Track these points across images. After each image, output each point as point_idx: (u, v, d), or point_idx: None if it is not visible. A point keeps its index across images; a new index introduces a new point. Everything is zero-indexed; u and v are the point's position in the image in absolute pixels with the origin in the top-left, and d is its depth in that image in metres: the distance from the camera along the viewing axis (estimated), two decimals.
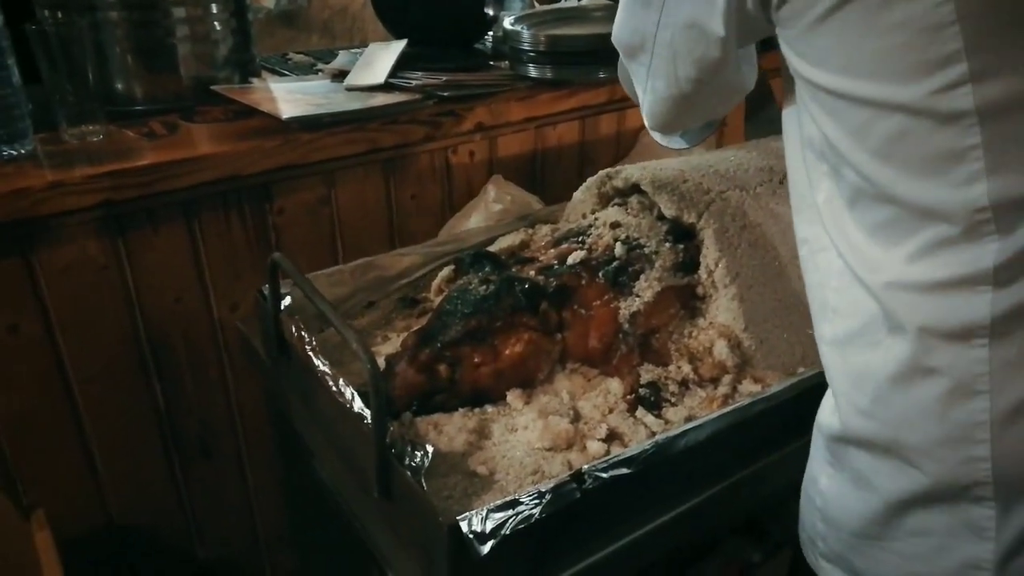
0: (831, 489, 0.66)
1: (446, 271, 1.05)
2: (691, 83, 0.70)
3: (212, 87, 1.19)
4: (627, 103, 1.38)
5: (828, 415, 0.66)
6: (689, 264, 0.91)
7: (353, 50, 1.44)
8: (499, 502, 0.64)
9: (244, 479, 1.23)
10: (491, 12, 1.43)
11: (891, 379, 0.57)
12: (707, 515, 0.80)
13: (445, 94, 1.17)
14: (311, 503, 1.07)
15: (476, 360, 0.83)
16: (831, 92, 0.55)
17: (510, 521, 0.64)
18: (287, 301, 0.91)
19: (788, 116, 0.68)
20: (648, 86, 0.75)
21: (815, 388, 0.81)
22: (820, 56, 0.55)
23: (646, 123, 0.86)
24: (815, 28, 0.54)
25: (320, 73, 1.36)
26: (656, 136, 0.92)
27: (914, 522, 0.58)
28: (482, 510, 0.63)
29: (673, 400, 0.82)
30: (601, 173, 1.01)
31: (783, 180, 0.98)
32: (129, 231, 0.99)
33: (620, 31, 0.75)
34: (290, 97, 1.15)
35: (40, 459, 1.02)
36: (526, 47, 1.28)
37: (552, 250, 0.96)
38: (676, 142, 0.93)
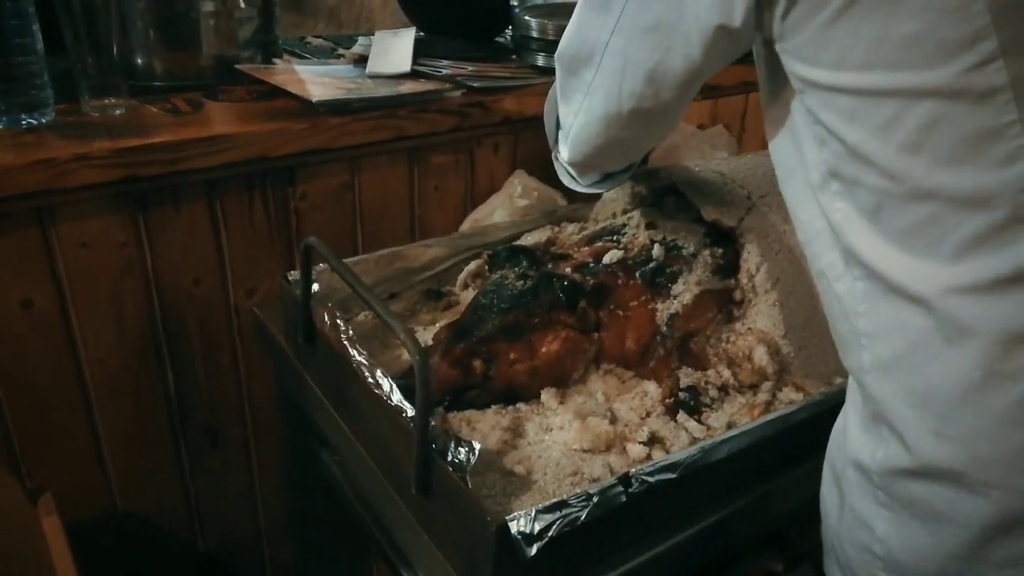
0: (893, 533, 0.60)
1: (473, 265, 1.03)
2: (633, 99, 0.68)
3: (236, 66, 1.16)
4: None
5: (874, 450, 0.60)
6: (727, 268, 0.90)
7: (370, 37, 1.42)
8: (548, 503, 0.62)
9: (250, 470, 1.20)
10: (516, 4, 1.42)
11: (960, 392, 0.53)
12: (742, 523, 0.79)
13: (475, 84, 1.15)
14: (322, 498, 1.04)
15: (512, 356, 0.82)
16: (853, 92, 0.53)
17: (557, 523, 0.62)
18: (314, 288, 0.88)
19: (782, 150, 0.65)
20: (582, 106, 0.74)
21: None
22: (837, 56, 0.53)
23: (563, 155, 0.85)
24: (829, 28, 0.52)
25: (342, 58, 1.33)
26: (568, 179, 0.90)
27: (1003, 552, 0.54)
28: (531, 511, 0.61)
29: (713, 405, 0.81)
30: (637, 171, 1.00)
31: None
32: (151, 209, 0.96)
33: (568, 41, 0.73)
34: (318, 80, 1.12)
35: (46, 440, 0.99)
36: (534, 35, 1.27)
37: (586, 248, 0.94)
38: (592, 184, 0.90)
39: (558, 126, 0.86)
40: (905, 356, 0.56)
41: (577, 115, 0.75)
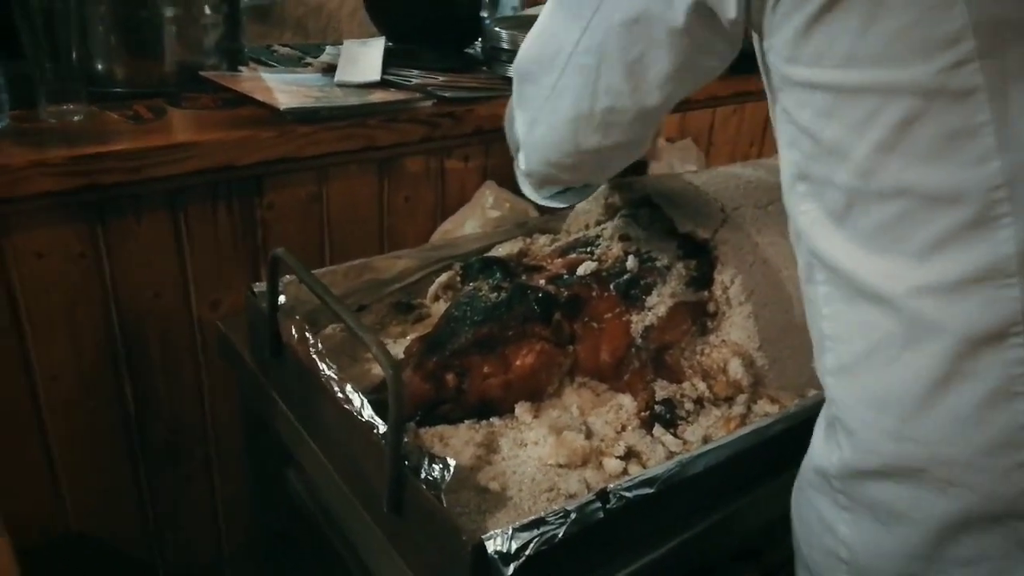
0: (855, 535, 0.60)
1: (444, 276, 1.01)
2: (609, 97, 0.66)
3: (201, 73, 1.13)
4: None
5: (830, 454, 0.61)
6: (700, 280, 0.90)
7: (339, 46, 1.40)
8: (525, 521, 0.60)
9: (212, 490, 1.16)
10: (487, 16, 1.41)
11: (922, 393, 0.53)
12: (719, 537, 0.78)
13: (446, 94, 1.14)
14: (289, 517, 1.01)
15: (485, 370, 0.80)
16: (831, 88, 0.53)
17: (535, 541, 0.60)
18: (281, 299, 0.86)
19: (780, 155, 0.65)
20: (545, 109, 0.72)
21: None
22: (817, 53, 0.53)
23: (522, 165, 0.82)
24: (814, 23, 0.52)
25: (310, 67, 1.31)
26: (528, 189, 0.88)
27: (963, 550, 0.55)
28: (507, 529, 0.60)
29: (688, 418, 0.80)
30: (609, 184, 0.99)
31: None
32: (110, 219, 0.93)
33: (531, 44, 0.72)
34: (285, 88, 1.10)
35: None
36: (505, 47, 1.27)
37: (560, 259, 0.93)
38: (549, 198, 0.89)
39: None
40: (866, 358, 0.56)
41: (535, 123, 0.73)
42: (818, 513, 0.64)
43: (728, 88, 1.52)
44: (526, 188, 0.90)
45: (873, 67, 0.51)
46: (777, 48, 0.56)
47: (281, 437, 0.90)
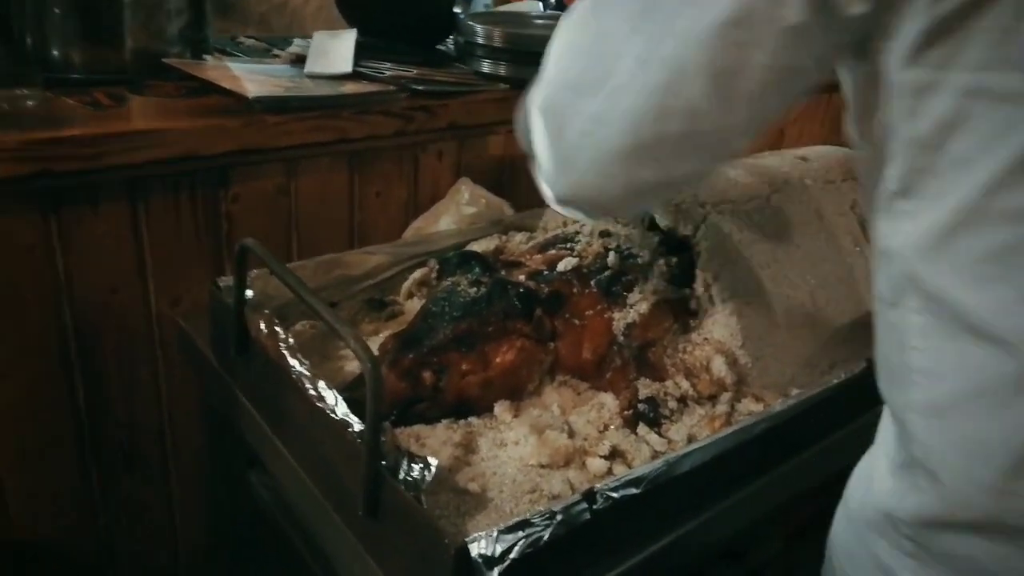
0: None
1: (418, 273, 0.98)
2: (683, 118, 0.54)
3: (164, 60, 1.08)
4: None
5: (903, 498, 0.55)
6: (681, 277, 0.88)
7: (308, 39, 1.36)
8: (509, 523, 0.58)
9: (168, 495, 1.11)
10: (460, 12, 1.39)
11: None
12: (704, 537, 0.76)
13: (420, 88, 1.11)
14: (251, 522, 0.97)
15: (464, 367, 0.77)
16: (963, 94, 0.47)
17: (520, 544, 0.58)
18: (248, 294, 0.82)
19: (862, 164, 0.58)
20: (585, 145, 0.59)
21: (814, 408, 0.80)
22: (948, 55, 0.46)
23: (547, 194, 0.65)
24: (956, 20, 0.45)
25: (278, 58, 1.27)
26: (560, 204, 0.66)
27: None
28: (492, 531, 0.57)
29: (672, 417, 0.78)
30: None
31: (770, 197, 0.97)
32: (65, 208, 0.88)
33: (561, 67, 0.60)
34: (253, 77, 1.06)
35: None
36: (480, 41, 1.24)
37: (539, 255, 0.91)
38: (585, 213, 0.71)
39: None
40: (967, 400, 0.50)
41: (569, 162, 0.60)
42: (874, 555, 0.58)
43: None
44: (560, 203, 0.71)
45: (1019, 71, 0.45)
46: (897, 49, 0.49)
47: (245, 438, 0.86)
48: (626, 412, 0.77)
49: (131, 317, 0.98)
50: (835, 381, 0.81)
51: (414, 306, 0.94)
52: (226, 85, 1.00)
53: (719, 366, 0.80)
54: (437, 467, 0.60)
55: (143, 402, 1.03)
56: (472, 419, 0.78)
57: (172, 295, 1.00)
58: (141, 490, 1.07)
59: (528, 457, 0.72)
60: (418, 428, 0.76)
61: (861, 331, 0.95)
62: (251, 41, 1.42)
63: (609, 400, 0.80)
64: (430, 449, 0.73)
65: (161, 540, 1.13)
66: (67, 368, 0.95)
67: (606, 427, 0.77)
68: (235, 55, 1.28)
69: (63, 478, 0.99)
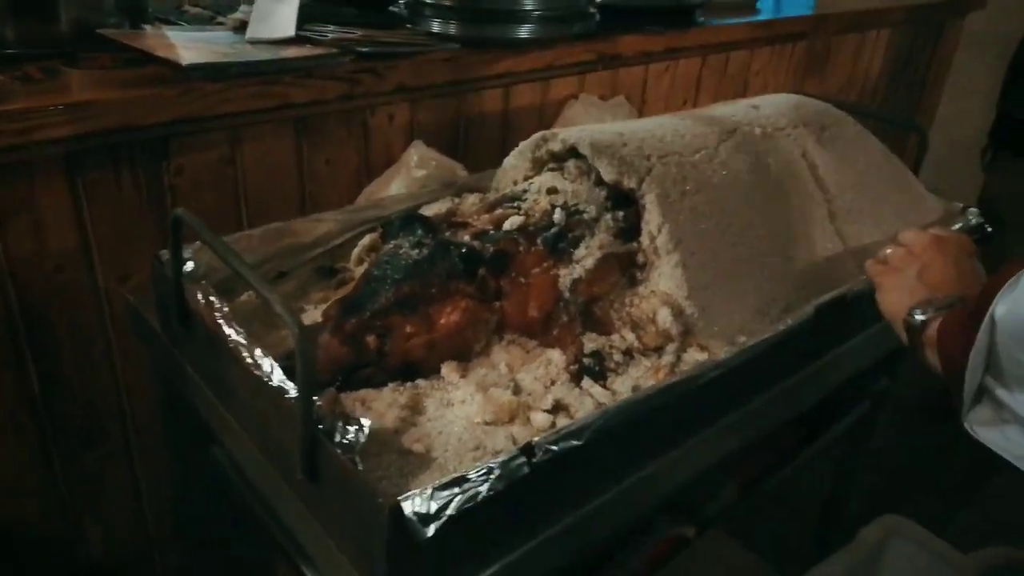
0: None
1: (367, 239, 0.97)
2: None
3: (99, 31, 1.06)
4: (553, 72, 1.34)
5: None
6: (629, 231, 0.88)
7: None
8: (444, 480, 0.58)
9: (133, 470, 1.11)
10: None
11: None
12: (651, 489, 0.76)
13: (365, 50, 1.09)
14: (212, 493, 0.97)
15: (408, 330, 0.77)
16: None
17: (456, 500, 0.58)
18: (189, 266, 0.81)
19: None
20: None
21: (760, 357, 0.80)
22: None
23: None
24: None
25: (222, 25, 1.24)
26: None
27: None
28: (426, 488, 0.57)
29: (618, 370, 0.78)
30: (536, 136, 0.96)
31: (718, 147, 0.96)
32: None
33: None
34: (191, 45, 1.04)
35: None
36: (428, 1, 1.22)
37: (486, 215, 0.90)
38: None
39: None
40: None
41: None
42: None
43: (660, 44, 1.49)
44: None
45: None
46: None
47: (199, 411, 0.86)
48: (572, 367, 0.77)
49: (79, 295, 0.97)
50: (781, 327, 0.81)
51: None
52: (161, 54, 0.98)
53: (664, 317, 0.80)
54: (371, 428, 0.60)
55: (99, 380, 1.02)
56: (420, 381, 0.78)
57: (120, 271, 0.99)
58: (104, 467, 1.07)
59: (474, 416, 0.72)
60: (364, 392, 0.75)
61: (814, 276, 0.96)
62: (196, 9, 1.39)
63: (556, 356, 0.80)
64: (376, 412, 0.73)
65: (128, 516, 1.13)
66: (16, 350, 0.94)
67: (552, 383, 0.77)
68: (178, 24, 1.25)
69: (21, 461, 0.99)
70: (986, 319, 0.59)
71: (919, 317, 0.70)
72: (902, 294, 0.74)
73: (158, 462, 1.11)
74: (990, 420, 0.61)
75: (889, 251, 0.80)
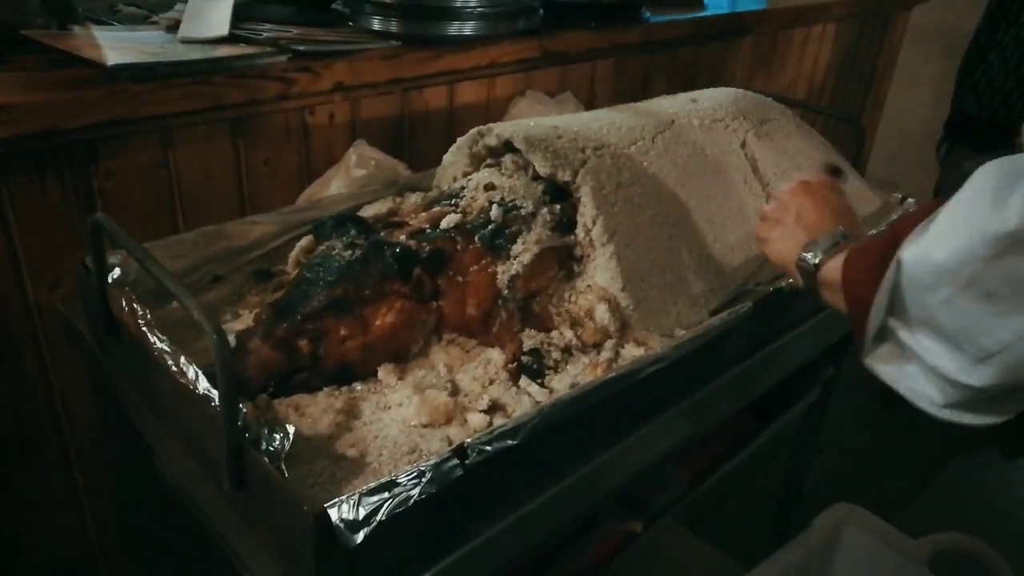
0: None
1: (305, 241, 0.95)
2: None
3: (23, 32, 1.02)
4: (497, 69, 1.33)
5: None
6: (567, 224, 0.87)
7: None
8: (372, 484, 0.57)
9: (73, 482, 1.08)
10: None
11: None
12: (593, 486, 0.76)
13: (300, 48, 1.07)
14: (151, 503, 0.94)
15: (342, 333, 0.75)
16: None
17: (386, 505, 0.57)
18: (116, 274, 0.79)
19: None
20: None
21: (698, 350, 0.80)
22: None
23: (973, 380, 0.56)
24: None
25: (155, 25, 1.21)
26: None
27: None
28: (354, 494, 0.56)
29: (557, 367, 0.77)
30: (472, 132, 0.95)
31: (655, 139, 0.96)
32: None
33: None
34: (119, 45, 1.01)
35: None
36: None
37: (423, 214, 0.89)
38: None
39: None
40: None
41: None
42: None
43: (607, 40, 1.49)
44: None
45: None
46: None
47: (132, 421, 0.83)
48: (510, 365, 0.77)
49: (7, 305, 0.93)
50: (718, 322, 0.81)
51: None
52: (86, 55, 0.95)
53: (602, 314, 0.80)
54: (297, 434, 0.59)
55: (31, 392, 0.99)
56: (356, 385, 0.77)
57: (49, 280, 0.96)
58: (42, 480, 1.04)
59: (410, 418, 0.71)
60: (298, 398, 0.74)
61: (752, 266, 0.96)
62: (130, 8, 1.35)
63: (496, 355, 0.79)
64: (310, 418, 0.72)
65: (72, 532, 1.10)
66: None
67: (491, 382, 0.76)
68: (109, 24, 1.21)
69: None
70: (893, 262, 0.59)
71: (811, 260, 0.71)
72: (788, 242, 0.76)
73: (100, 473, 1.08)
74: (891, 358, 0.62)
75: (767, 207, 0.82)
